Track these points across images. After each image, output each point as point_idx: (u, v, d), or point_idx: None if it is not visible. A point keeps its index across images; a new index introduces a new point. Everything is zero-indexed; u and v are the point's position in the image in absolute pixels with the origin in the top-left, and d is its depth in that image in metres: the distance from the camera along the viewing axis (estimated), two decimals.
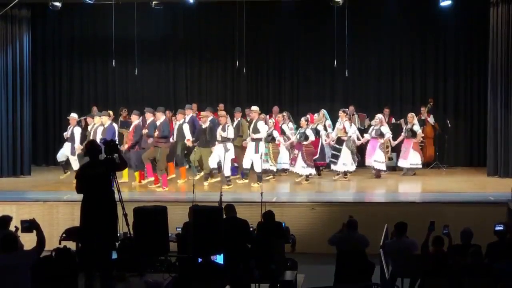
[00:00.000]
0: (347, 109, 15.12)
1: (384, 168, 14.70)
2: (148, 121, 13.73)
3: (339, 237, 8.78)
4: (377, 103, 16.82)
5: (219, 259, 7.72)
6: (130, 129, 14.14)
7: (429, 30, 16.91)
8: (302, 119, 14.18)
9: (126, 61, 16.66)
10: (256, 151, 13.55)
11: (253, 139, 13.69)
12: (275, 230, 8.69)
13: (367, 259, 8.64)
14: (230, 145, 13.61)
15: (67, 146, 14.33)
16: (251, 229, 8.81)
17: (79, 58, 18.07)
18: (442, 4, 14.41)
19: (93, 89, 18.14)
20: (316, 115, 15.01)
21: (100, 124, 13.90)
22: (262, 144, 13.69)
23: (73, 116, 14.46)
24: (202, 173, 14.04)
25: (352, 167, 14.35)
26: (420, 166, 15.13)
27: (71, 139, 14.17)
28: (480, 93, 16.46)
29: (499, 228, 8.26)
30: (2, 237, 6.48)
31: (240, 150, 14.15)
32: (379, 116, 14.80)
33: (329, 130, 15.00)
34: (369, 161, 14.76)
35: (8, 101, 15.41)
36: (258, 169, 13.51)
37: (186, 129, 13.94)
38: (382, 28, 16.66)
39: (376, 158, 14.58)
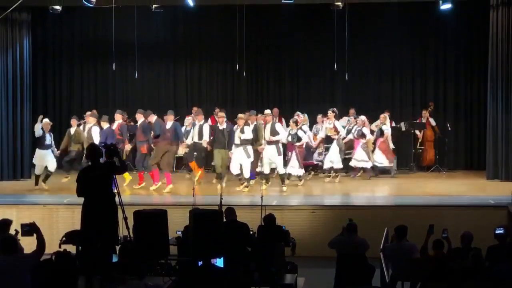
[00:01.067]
0: (335, 109, 15.07)
1: (364, 166, 14.75)
2: (139, 122, 13.84)
3: (339, 240, 8.79)
4: (377, 106, 16.80)
5: (219, 262, 7.70)
6: (114, 127, 14.05)
7: (429, 34, 16.93)
8: (291, 121, 14.19)
9: (126, 64, 16.67)
10: (279, 153, 13.29)
11: (271, 142, 13.27)
12: (275, 233, 8.70)
13: (367, 262, 8.64)
14: (250, 149, 13.37)
15: (46, 155, 13.69)
16: (251, 232, 8.81)
17: (79, 61, 18.10)
18: (442, 7, 14.42)
19: (93, 92, 18.16)
20: (301, 116, 15.01)
21: (94, 124, 13.87)
22: (280, 146, 13.45)
23: (46, 121, 13.95)
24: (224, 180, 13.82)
25: (339, 164, 14.47)
26: (383, 165, 14.98)
27: (51, 145, 13.79)
28: (480, 96, 16.47)
29: (499, 231, 8.25)
30: (1, 239, 6.48)
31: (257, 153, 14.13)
32: (362, 117, 14.92)
33: (308, 132, 15.02)
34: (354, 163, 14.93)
35: (9, 105, 15.39)
36: (266, 171, 13.46)
37: (206, 130, 13.91)
38: (382, 32, 16.68)
39: (356, 156, 14.72)
